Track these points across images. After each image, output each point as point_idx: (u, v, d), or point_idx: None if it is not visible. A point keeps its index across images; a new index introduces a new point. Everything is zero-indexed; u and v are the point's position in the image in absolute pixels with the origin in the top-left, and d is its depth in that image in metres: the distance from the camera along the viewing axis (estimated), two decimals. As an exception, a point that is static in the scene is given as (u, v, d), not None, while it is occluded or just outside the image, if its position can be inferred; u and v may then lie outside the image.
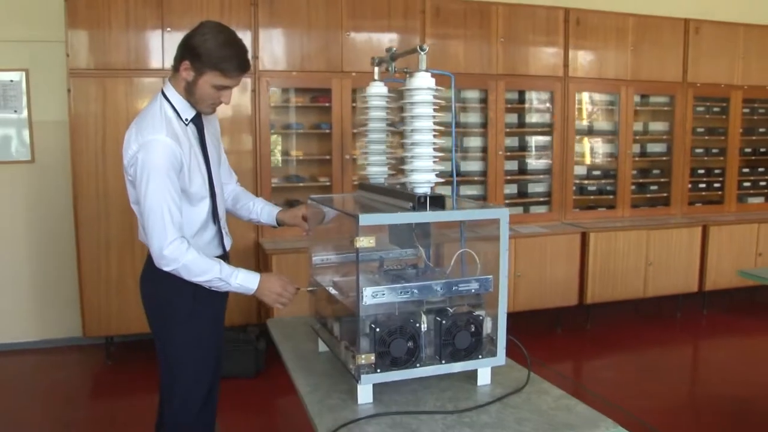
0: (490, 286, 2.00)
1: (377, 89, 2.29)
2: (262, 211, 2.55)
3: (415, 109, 1.92)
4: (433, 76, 1.94)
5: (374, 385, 1.89)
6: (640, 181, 5.98)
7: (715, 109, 6.14)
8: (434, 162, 1.96)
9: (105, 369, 4.63)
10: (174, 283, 2.15)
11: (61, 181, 4.76)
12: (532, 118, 5.64)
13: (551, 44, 5.41)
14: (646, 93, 5.87)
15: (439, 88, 1.93)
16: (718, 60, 5.94)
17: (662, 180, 6.02)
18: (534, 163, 5.67)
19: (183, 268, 2.10)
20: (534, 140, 5.64)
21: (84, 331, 4.53)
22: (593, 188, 5.85)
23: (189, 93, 2.17)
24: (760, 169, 6.44)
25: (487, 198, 5.39)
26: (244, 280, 2.17)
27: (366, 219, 1.80)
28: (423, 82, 1.92)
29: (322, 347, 2.34)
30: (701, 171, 6.19)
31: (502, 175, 5.44)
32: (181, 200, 2.16)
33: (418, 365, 1.93)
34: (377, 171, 2.32)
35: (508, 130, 5.46)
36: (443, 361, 1.96)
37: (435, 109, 1.94)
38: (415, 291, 1.90)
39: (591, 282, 5.34)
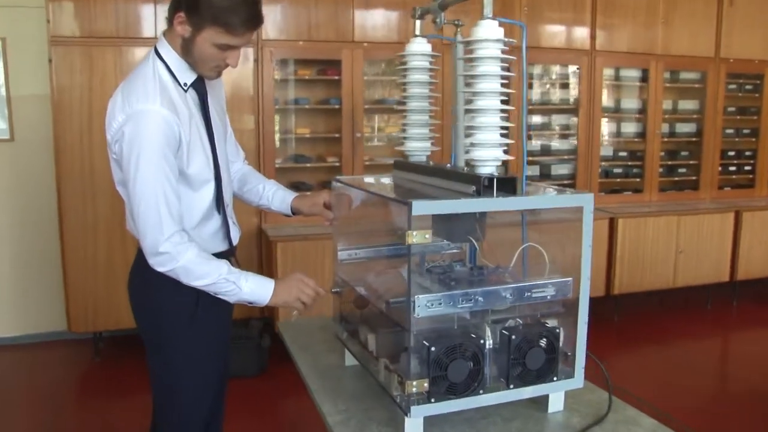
0: (569, 291, 1.60)
1: (420, 46, 1.87)
2: (274, 196, 2.12)
3: (481, 66, 1.51)
4: (501, 25, 1.52)
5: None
6: (669, 163, 5.59)
7: (748, 87, 5.74)
8: (503, 135, 1.54)
9: (93, 367, 4.23)
10: (172, 284, 1.74)
11: (43, 160, 4.31)
12: (556, 95, 5.22)
13: (577, 15, 4.97)
14: (676, 68, 5.46)
15: (510, 40, 1.52)
16: (753, 33, 5.52)
17: (691, 162, 5.62)
18: (557, 143, 5.27)
19: (181, 270, 1.69)
20: (557, 119, 5.23)
21: (69, 325, 4.12)
22: (619, 170, 5.45)
23: (186, 52, 1.74)
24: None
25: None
26: (256, 287, 1.77)
27: (421, 207, 1.39)
28: (490, 32, 1.50)
29: (349, 360, 1.95)
30: (731, 153, 5.80)
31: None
32: (179, 184, 1.74)
33: (480, 392, 1.53)
34: (418, 147, 1.90)
35: (530, 107, 5.04)
36: (511, 386, 1.57)
37: (504, 67, 1.52)
38: (480, 299, 1.50)
39: (619, 271, 4.97)
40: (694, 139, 5.63)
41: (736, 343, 5.08)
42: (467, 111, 1.54)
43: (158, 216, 1.66)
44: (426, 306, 1.44)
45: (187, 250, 1.68)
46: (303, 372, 1.93)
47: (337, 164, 4.53)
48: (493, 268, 1.77)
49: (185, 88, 1.76)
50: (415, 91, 1.88)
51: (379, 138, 4.89)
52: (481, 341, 1.51)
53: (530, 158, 5.13)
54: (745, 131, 5.84)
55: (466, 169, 1.63)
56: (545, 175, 5.26)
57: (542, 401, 1.66)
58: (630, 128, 5.52)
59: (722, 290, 5.56)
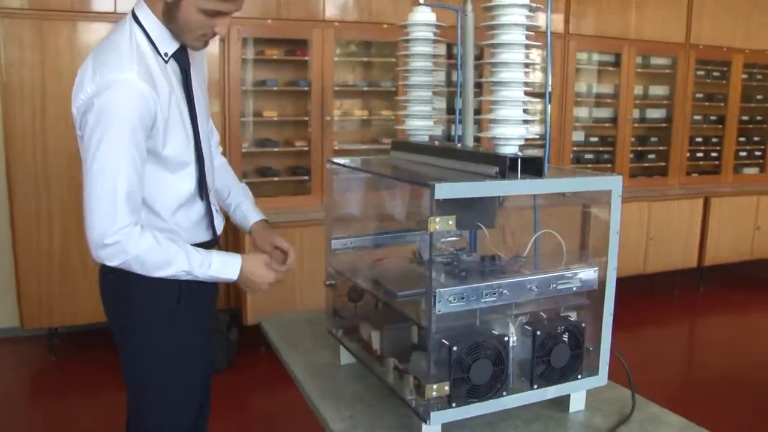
0: (596, 282, 1.48)
1: (424, 16, 1.71)
2: (237, 209, 1.93)
3: (504, 35, 1.36)
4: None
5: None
6: (639, 149, 5.56)
7: (715, 74, 5.75)
8: (526, 111, 1.40)
9: (48, 365, 3.95)
10: (150, 278, 1.54)
11: (-11, 144, 3.99)
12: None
13: (552, -4, 4.87)
14: (648, 54, 5.42)
15: (537, 5, 1.37)
16: (722, 20, 5.51)
17: (661, 148, 5.61)
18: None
19: (135, 261, 1.50)
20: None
21: (22, 321, 3.83)
22: (590, 156, 5.40)
23: (169, 19, 1.54)
24: (756, 139, 6.11)
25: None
26: (220, 268, 1.59)
27: (444, 190, 1.24)
28: (515, -3, 1.35)
29: (345, 358, 1.79)
30: (699, 139, 5.81)
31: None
32: (154, 165, 1.55)
33: (504, 393, 1.39)
34: (421, 125, 1.75)
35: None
36: (535, 386, 1.43)
37: (529, 36, 1.38)
38: (506, 292, 1.36)
39: (592, 259, 4.91)
40: (663, 124, 5.62)
41: (703, 328, 5.10)
42: (489, 83, 1.39)
43: (113, 203, 1.46)
44: (447, 301, 1.29)
45: (140, 239, 1.49)
46: (295, 372, 1.76)
47: (306, 148, 4.34)
48: (508, 258, 1.63)
49: (166, 58, 1.56)
50: (418, 65, 1.72)
51: (350, 122, 4.71)
52: (505, 338, 1.37)
53: (503, 144, 5.02)
54: (712, 118, 5.86)
55: (481, 148, 1.48)
56: (517, 161, 5.17)
57: (562, 401, 1.54)
58: (602, 113, 5.47)
59: (689, 276, 5.58)
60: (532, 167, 1.36)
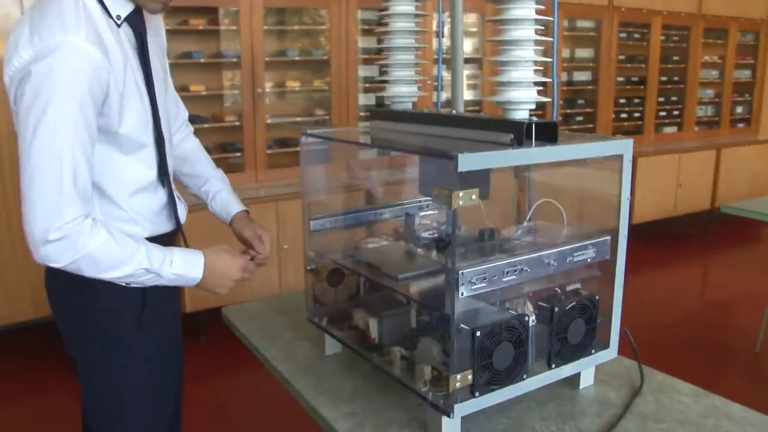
0: (608, 251, 1.40)
1: (403, -29, 1.55)
2: (216, 198, 1.72)
3: (513, -12, 1.23)
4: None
5: (466, 414, 1.24)
6: (567, 111, 5.62)
7: (636, 36, 5.86)
8: (536, 71, 1.28)
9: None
10: (109, 282, 1.34)
11: None
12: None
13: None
14: (573, 17, 5.45)
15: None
16: (642, -19, 5.62)
17: (588, 110, 5.69)
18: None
19: (86, 260, 1.27)
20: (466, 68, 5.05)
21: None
22: (523, 122, 5.40)
23: None
24: (674, 98, 6.30)
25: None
26: (183, 265, 1.38)
27: (468, 161, 1.11)
28: (523, -56, 1.22)
29: (330, 348, 1.65)
30: (623, 100, 5.93)
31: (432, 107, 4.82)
32: (107, 146, 1.34)
33: (525, 376, 1.30)
34: (404, 92, 1.60)
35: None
36: (552, 365, 1.35)
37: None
38: (526, 269, 1.25)
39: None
40: (590, 87, 5.70)
41: (629, 285, 5.24)
42: (499, 43, 1.26)
43: (58, 191, 1.22)
44: (471, 283, 1.17)
45: (92, 234, 1.27)
46: (277, 367, 1.61)
47: (237, 124, 4.10)
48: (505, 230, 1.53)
49: (118, 21, 1.34)
50: (400, 26, 1.57)
51: (282, 94, 4.49)
52: (526, 318, 1.27)
53: (438, 111, 4.93)
54: (634, 79, 5.99)
55: (483, 114, 1.36)
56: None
57: (572, 377, 1.46)
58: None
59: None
60: (546, 133, 1.25)
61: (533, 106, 1.29)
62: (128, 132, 1.36)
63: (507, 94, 1.26)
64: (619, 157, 1.35)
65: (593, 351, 1.41)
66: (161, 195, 1.48)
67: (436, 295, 1.33)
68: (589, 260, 1.36)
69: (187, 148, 1.74)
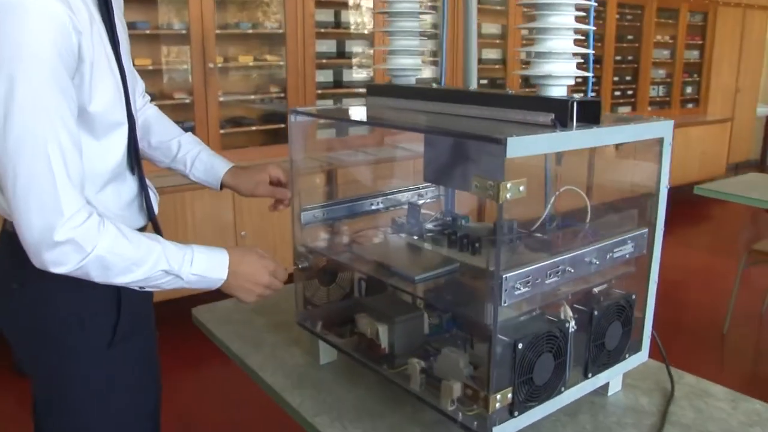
0: (644, 245, 1.25)
1: (408, -76, 1.36)
2: (196, 161, 1.50)
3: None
4: None
5: None
6: (527, 90, 5.52)
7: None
8: (575, 43, 1.12)
9: None
10: (75, 286, 1.12)
11: None
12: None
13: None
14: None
15: None
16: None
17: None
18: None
19: (94, 264, 1.06)
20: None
21: None
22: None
23: None
24: (628, 78, 6.30)
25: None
26: (205, 266, 1.17)
27: (518, 146, 0.93)
28: None
29: (327, 356, 1.46)
30: (579, 79, 5.86)
31: (390, 87, 4.63)
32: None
33: (563, 389, 1.15)
34: (408, 64, 1.41)
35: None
36: (589, 374, 1.20)
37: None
38: (570, 269, 1.09)
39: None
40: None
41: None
42: (534, 7, 1.08)
43: (52, 185, 1.01)
44: (514, 288, 1.00)
45: (101, 232, 1.06)
46: (266, 379, 1.41)
47: (187, 101, 3.81)
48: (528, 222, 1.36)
49: (81, -19, 1.10)
50: (403, -11, 1.37)
51: (234, 70, 4.21)
52: (566, 325, 1.11)
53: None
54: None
55: (510, 90, 1.19)
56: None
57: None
58: (490, 54, 5.34)
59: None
60: (588, 113, 1.09)
61: (572, 82, 1.12)
62: (100, 110, 1.13)
63: (544, 67, 1.09)
64: (659, 141, 1.20)
65: (627, 355, 1.27)
66: (131, 184, 1.26)
67: (466, 301, 1.17)
68: (627, 256, 1.21)
69: (149, 116, 1.50)
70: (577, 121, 1.08)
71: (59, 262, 1.03)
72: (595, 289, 1.21)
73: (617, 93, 6.18)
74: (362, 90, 4.58)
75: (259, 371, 1.44)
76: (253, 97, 4.19)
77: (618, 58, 6.12)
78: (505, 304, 0.99)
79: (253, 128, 4.13)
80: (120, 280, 1.10)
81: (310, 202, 1.45)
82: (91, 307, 1.18)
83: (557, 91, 1.10)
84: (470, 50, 1.31)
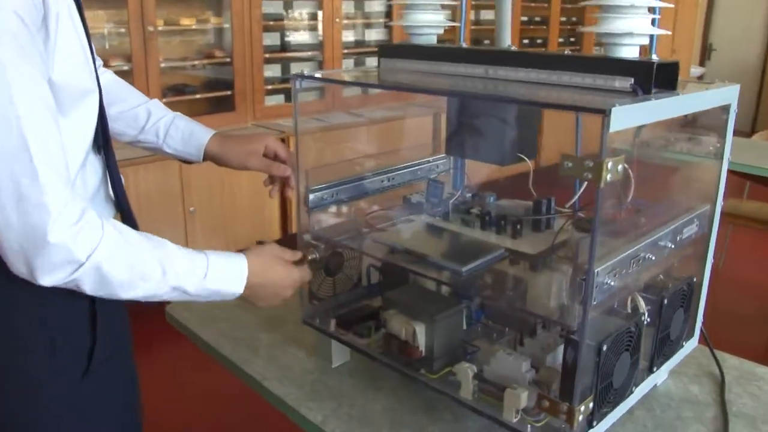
0: (706, 224, 1.13)
1: None
2: (170, 129, 1.25)
3: None
4: None
5: None
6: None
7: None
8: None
9: None
10: (43, 301, 0.90)
11: None
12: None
13: None
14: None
15: None
16: None
17: (495, 52, 5.49)
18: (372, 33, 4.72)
19: (91, 276, 0.85)
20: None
21: None
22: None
23: None
24: (572, 39, 6.25)
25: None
26: (221, 278, 0.98)
27: (622, 117, 0.77)
28: None
29: (340, 357, 1.29)
30: (526, 41, 5.78)
31: (340, 48, 4.39)
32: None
33: (633, 389, 1.02)
34: (430, 20, 1.22)
35: (345, -8, 4.38)
36: (654, 368, 1.08)
37: None
38: (650, 256, 0.95)
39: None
40: (492, 27, 5.49)
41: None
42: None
43: (32, 175, 0.80)
44: (604, 284, 0.85)
45: (99, 234, 0.85)
46: (273, 390, 1.22)
47: (125, 68, 3.48)
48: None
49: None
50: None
51: (175, 33, 3.88)
52: (642, 318, 0.98)
53: (346, 51, 4.50)
54: (537, 19, 5.86)
55: (567, 51, 1.02)
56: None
57: (648, 373, 1.21)
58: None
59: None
60: (665, 77, 0.94)
61: (646, 42, 0.96)
62: (67, 76, 0.90)
63: (619, 23, 0.92)
64: (725, 108, 1.07)
65: (683, 343, 1.16)
66: (97, 167, 1.02)
67: (519, 293, 1.01)
68: (693, 236, 1.09)
69: (106, 82, 1.23)
70: (656, 83, 0.93)
71: (50, 270, 0.82)
72: (661, 275, 1.07)
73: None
74: (309, 54, 4.33)
75: (264, 381, 1.25)
76: (196, 63, 3.88)
77: (563, 19, 6.06)
78: (596, 302, 0.85)
79: (198, 96, 3.83)
80: (120, 295, 0.90)
81: (317, 182, 1.26)
82: (63, 326, 0.96)
83: (629, 51, 0.94)
84: (503, 5, 1.13)
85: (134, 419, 1.13)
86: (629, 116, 0.78)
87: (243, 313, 1.52)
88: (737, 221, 3.39)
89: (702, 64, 7.59)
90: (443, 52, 1.16)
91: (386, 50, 1.25)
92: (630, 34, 0.92)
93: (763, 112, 7.43)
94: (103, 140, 1.02)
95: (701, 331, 1.28)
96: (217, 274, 0.96)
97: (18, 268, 0.83)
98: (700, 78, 7.56)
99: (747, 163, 3.11)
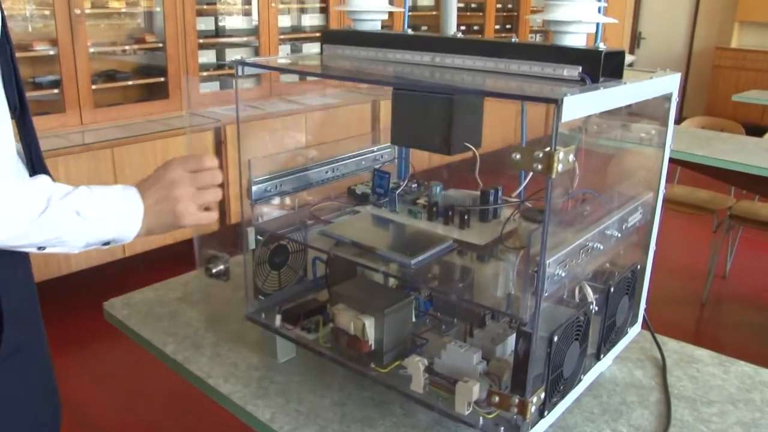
0: (650, 212, 1.15)
1: None
2: None
3: None
4: None
5: None
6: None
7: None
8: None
9: None
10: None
11: None
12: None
13: None
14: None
15: None
16: None
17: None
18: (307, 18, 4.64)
19: None
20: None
21: None
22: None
23: None
24: (509, 26, 6.32)
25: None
26: (109, 192, 0.89)
27: (574, 106, 0.76)
28: None
29: (285, 352, 1.26)
30: (463, 27, 5.81)
31: (276, 33, 4.30)
32: None
33: (582, 377, 1.03)
34: (374, 6, 1.19)
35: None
36: (601, 355, 1.09)
37: None
38: (598, 245, 0.96)
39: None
40: (433, 12, 5.49)
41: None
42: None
43: None
44: (554, 275, 0.85)
45: None
46: (220, 389, 1.18)
47: (51, 53, 3.32)
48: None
49: None
50: None
51: (103, 17, 3.71)
52: (590, 307, 0.98)
53: (282, 36, 4.41)
54: (473, 6, 5.89)
55: (514, 39, 1.01)
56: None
57: (593, 359, 1.22)
58: None
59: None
60: (611, 66, 0.94)
61: (592, 30, 0.96)
62: None
63: (566, 11, 0.92)
64: (667, 97, 1.09)
65: (628, 330, 1.18)
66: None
67: (468, 284, 1.00)
68: (637, 224, 1.10)
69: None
70: (603, 71, 0.92)
71: None
72: (607, 264, 1.08)
73: (500, 42, 6.19)
74: (245, 39, 4.23)
75: (209, 379, 1.21)
76: (127, 48, 3.73)
77: (499, 6, 6.11)
78: (547, 293, 0.84)
79: (129, 83, 3.69)
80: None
81: (259, 173, 1.21)
82: None
83: (576, 39, 0.94)
84: (448, -9, 1.12)
85: (50, 415, 1.06)
86: (580, 105, 0.77)
87: (185, 308, 1.47)
88: (668, 206, 3.50)
89: (632, 52, 7.80)
90: (389, 38, 1.13)
91: (330, 36, 1.21)
92: (578, 22, 0.91)
93: (691, 99, 7.71)
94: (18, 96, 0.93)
95: (644, 316, 1.31)
96: (102, 190, 0.88)
97: None
98: (631, 65, 7.76)
99: (677, 149, 3.21)
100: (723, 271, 3.69)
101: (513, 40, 1.00)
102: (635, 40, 8.06)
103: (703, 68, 7.69)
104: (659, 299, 1.38)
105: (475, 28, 5.90)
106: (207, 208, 0.97)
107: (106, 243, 0.91)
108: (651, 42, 8.04)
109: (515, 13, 6.31)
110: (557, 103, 0.74)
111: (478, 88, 0.97)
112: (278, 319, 1.22)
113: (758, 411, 1.14)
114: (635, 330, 1.23)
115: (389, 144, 1.40)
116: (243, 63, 1.11)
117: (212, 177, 0.96)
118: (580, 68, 0.90)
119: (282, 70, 1.18)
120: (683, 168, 3.37)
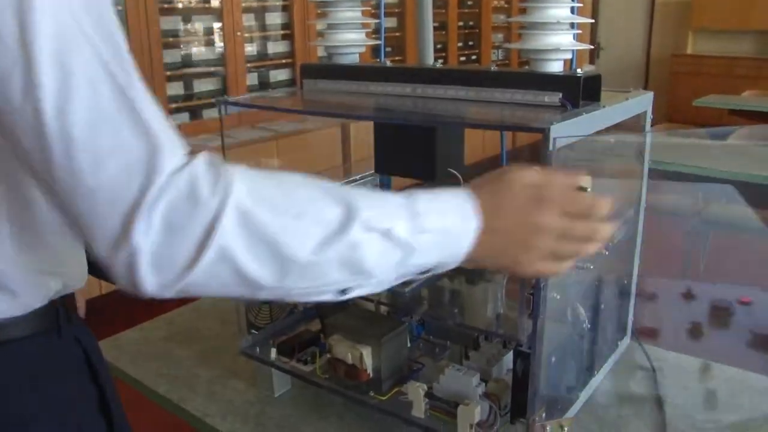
0: (634, 226, 1.18)
1: None
2: None
3: None
4: None
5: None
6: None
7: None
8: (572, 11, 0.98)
9: None
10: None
11: None
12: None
13: None
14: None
15: None
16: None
17: (396, 58, 5.55)
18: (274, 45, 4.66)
19: (235, 225, 0.54)
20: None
21: None
22: (280, 75, 5.08)
23: None
24: (471, 43, 6.42)
25: (228, 91, 4.19)
26: (443, 207, 0.65)
27: (561, 132, 0.79)
28: None
29: (282, 385, 1.26)
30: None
31: (243, 62, 4.31)
32: None
33: (579, 395, 1.05)
34: (353, 39, 1.20)
35: (245, 4, 4.30)
36: (596, 371, 1.11)
37: None
38: (589, 264, 0.98)
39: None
40: (396, 34, 5.56)
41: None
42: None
43: (130, 109, 0.55)
44: (555, 295, 0.87)
45: (229, 171, 0.57)
46: (217, 427, 1.17)
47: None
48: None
49: None
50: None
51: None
52: (584, 325, 1.00)
53: (250, 65, 4.42)
54: (435, 25, 5.97)
55: (493, 66, 1.03)
56: (264, 84, 4.63)
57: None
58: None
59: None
60: (590, 89, 0.97)
61: (570, 56, 0.99)
62: None
63: (545, 39, 0.94)
64: (642, 116, 1.12)
65: (618, 343, 1.20)
66: None
67: (462, 308, 1.02)
68: (622, 239, 1.13)
69: None
70: (583, 95, 0.95)
71: (169, 224, 0.54)
72: (596, 282, 1.11)
73: (462, 58, 6.28)
74: (212, 69, 4.22)
75: (206, 418, 1.20)
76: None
77: (461, 23, 6.21)
78: (542, 315, 0.86)
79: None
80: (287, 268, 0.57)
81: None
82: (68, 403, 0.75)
83: (556, 66, 0.97)
84: (425, 20, 1.14)
85: None
86: (566, 131, 0.80)
87: (174, 348, 1.46)
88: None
89: (592, 62, 7.97)
90: (368, 71, 1.15)
91: (308, 70, 1.23)
92: (556, 50, 0.94)
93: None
94: None
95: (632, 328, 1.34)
96: (430, 204, 0.64)
97: (135, 279, 0.55)
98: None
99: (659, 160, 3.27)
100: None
101: (492, 68, 1.02)
102: (595, 50, 8.24)
103: (661, 75, 7.89)
104: (645, 308, 1.41)
105: (438, 46, 5.98)
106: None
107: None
108: (610, 52, 8.23)
109: (477, 30, 6.41)
110: (545, 131, 0.76)
111: (467, 121, 0.99)
112: (274, 352, 1.22)
113: (748, 414, 1.17)
114: (625, 342, 1.25)
115: (373, 172, 1.41)
116: (226, 102, 1.12)
117: (592, 231, 0.69)
118: (561, 94, 0.93)
119: (268, 108, 1.19)
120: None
